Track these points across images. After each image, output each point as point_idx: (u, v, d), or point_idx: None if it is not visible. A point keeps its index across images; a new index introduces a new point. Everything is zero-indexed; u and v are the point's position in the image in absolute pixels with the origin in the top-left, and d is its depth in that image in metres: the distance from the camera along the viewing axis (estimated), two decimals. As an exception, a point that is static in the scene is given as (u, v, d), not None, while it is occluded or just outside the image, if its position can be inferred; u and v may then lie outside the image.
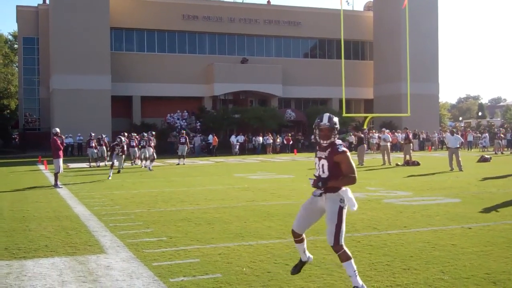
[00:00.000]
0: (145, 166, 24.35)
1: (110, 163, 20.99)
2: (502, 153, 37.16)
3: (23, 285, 5.69)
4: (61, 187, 15.77)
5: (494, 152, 36.79)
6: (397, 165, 24.32)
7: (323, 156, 5.31)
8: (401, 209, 10.62)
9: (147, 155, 24.68)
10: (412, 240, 7.68)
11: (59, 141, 16.64)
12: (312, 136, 6.40)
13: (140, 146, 25.44)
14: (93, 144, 26.59)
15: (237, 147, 39.70)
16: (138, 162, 25.96)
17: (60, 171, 16.47)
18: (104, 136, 28.80)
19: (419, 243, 7.48)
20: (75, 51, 42.66)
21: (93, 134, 27.46)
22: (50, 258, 6.83)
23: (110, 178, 18.72)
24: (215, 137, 39.04)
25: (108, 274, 6.06)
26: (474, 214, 9.97)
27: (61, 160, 16.43)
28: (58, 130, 17.13)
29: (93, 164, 26.43)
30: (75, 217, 10.20)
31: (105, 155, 27.46)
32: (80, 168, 25.70)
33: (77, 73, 42.75)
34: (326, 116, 5.34)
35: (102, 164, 26.92)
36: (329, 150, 5.27)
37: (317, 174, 5.33)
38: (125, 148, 22.33)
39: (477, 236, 7.92)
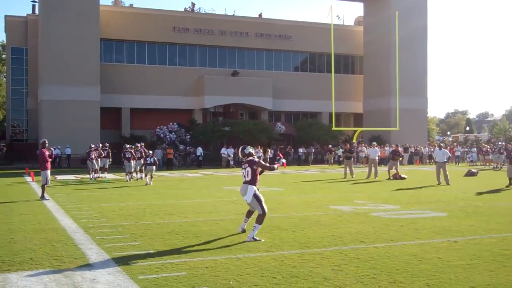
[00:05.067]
0: (140, 178, 24.25)
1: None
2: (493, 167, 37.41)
3: (7, 297, 5.63)
4: (48, 199, 15.63)
5: (482, 166, 37.04)
6: (389, 179, 24.36)
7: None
8: (388, 223, 10.66)
9: (138, 168, 24.60)
10: (398, 254, 7.71)
11: (47, 153, 16.52)
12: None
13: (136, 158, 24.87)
14: (93, 156, 26.00)
15: (232, 160, 39.14)
16: (135, 175, 25.34)
17: (47, 183, 16.36)
18: (106, 146, 28.49)
19: (406, 256, 7.51)
20: (64, 61, 42.51)
21: (93, 146, 26.86)
22: (34, 271, 6.77)
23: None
24: (169, 149, 38.63)
25: None
26: (460, 227, 10.04)
27: (48, 172, 16.31)
28: (46, 141, 17.02)
29: (95, 175, 25.89)
30: (62, 229, 10.12)
31: (107, 166, 27.45)
32: (68, 180, 25.52)
33: (66, 84, 42.56)
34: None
35: (103, 175, 26.74)
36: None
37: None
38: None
39: (463, 250, 7.97)
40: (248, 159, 9.31)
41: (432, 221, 10.87)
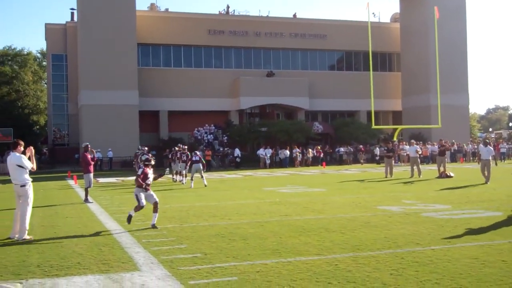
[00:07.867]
0: (179, 181, 24.09)
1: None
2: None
3: (57, 304, 5.50)
4: (92, 202, 15.70)
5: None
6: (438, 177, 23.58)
7: None
8: (442, 223, 10.19)
9: (178, 170, 24.34)
10: (459, 256, 7.28)
11: (89, 156, 16.61)
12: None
13: (181, 161, 24.27)
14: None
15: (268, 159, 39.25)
16: (177, 177, 24.89)
17: (91, 186, 16.43)
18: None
19: (467, 259, 7.08)
20: (103, 67, 43.12)
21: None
22: (83, 276, 6.64)
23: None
24: (207, 151, 38.42)
25: (144, 293, 5.84)
26: (520, 228, 9.50)
27: (91, 175, 16.41)
28: (89, 145, 17.10)
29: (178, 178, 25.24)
30: (107, 232, 10.03)
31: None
32: (110, 183, 25.71)
33: (105, 89, 43.16)
34: None
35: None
36: None
37: None
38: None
39: (528, 252, 7.48)
40: None
41: (488, 221, 10.34)
